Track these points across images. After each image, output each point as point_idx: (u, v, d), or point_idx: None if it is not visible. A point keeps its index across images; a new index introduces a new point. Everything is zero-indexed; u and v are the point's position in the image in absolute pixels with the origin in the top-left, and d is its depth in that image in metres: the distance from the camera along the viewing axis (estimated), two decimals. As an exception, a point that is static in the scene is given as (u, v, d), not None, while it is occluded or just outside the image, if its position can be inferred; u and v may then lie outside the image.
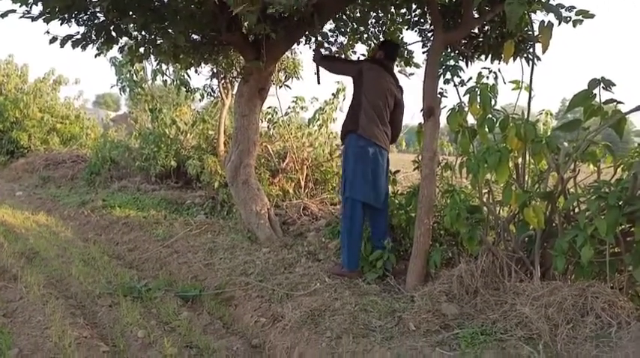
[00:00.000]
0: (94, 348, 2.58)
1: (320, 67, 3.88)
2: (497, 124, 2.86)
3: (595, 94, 2.54)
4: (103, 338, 2.80)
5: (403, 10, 4.40)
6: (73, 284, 3.63)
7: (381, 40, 4.74)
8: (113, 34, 3.74)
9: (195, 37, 4.39)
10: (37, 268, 3.95)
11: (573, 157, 2.67)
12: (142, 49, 4.22)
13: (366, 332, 2.60)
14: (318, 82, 4.02)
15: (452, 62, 3.14)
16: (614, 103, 2.57)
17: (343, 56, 4.98)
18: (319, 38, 4.21)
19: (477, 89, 2.90)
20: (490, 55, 3.92)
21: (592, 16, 3.04)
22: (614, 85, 2.53)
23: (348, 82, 5.24)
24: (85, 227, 5.74)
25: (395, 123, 3.70)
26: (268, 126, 6.52)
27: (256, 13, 2.94)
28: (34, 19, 3.33)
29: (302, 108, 6.53)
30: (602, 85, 2.52)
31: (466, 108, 2.99)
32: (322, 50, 4.10)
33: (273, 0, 2.83)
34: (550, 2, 2.82)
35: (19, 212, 6.38)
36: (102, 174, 8.41)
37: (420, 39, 4.42)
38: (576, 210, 2.80)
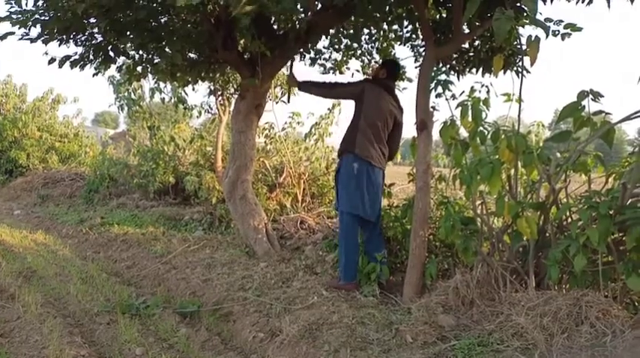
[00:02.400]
0: (92, 366, 2.59)
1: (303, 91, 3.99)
2: (489, 137, 2.91)
3: (584, 106, 2.59)
4: (101, 357, 2.80)
5: (395, 27, 4.49)
6: (71, 303, 3.63)
7: (378, 58, 4.83)
8: (111, 53, 3.81)
9: (191, 55, 4.48)
10: (34, 287, 3.95)
11: (564, 168, 2.72)
12: (139, 68, 4.29)
13: (364, 345, 2.60)
14: (288, 101, 4.19)
15: (443, 77, 3.20)
16: (603, 114, 2.62)
17: (338, 74, 5.06)
18: (313, 55, 4.28)
19: (468, 103, 2.95)
20: (481, 69, 4.00)
21: (580, 29, 3.11)
22: (602, 96, 2.59)
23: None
24: (84, 245, 5.75)
25: (393, 143, 3.76)
26: (265, 142, 6.58)
27: (251, 15, 2.98)
28: (32, 40, 3.39)
29: (298, 123, 6.60)
30: (590, 96, 2.58)
31: (458, 122, 3.03)
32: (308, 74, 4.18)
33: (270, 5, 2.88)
34: (537, 17, 2.89)
35: (17, 231, 6.37)
36: (100, 191, 8.43)
37: (412, 54, 4.52)
38: (568, 220, 2.83)
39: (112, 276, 4.40)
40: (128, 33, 3.59)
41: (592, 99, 2.57)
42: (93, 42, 3.72)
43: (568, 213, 2.81)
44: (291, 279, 3.78)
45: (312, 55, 4.88)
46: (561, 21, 3.04)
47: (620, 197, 2.46)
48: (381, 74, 3.79)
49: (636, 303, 2.64)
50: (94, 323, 3.25)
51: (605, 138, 2.60)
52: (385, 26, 4.53)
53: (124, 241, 5.47)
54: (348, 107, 3.80)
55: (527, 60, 2.97)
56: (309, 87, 3.94)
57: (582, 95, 2.59)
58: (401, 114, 3.74)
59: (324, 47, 4.86)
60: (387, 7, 3.97)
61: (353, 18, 4.27)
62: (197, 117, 7.55)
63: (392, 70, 3.86)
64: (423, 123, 3.28)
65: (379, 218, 3.71)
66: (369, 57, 4.96)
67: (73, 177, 10.21)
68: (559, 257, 2.55)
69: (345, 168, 3.63)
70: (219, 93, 6.23)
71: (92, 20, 3.42)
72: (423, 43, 4.10)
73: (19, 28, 3.24)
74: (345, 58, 5.05)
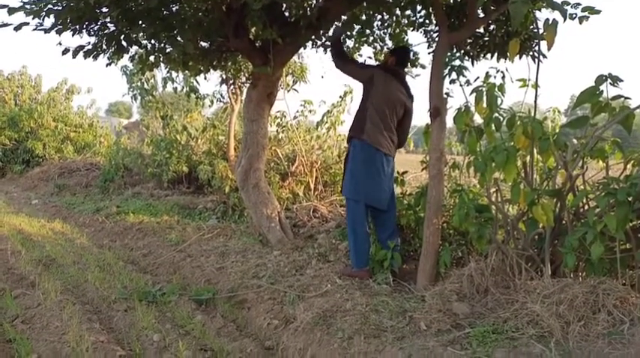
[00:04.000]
0: (110, 353, 2.63)
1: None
2: (505, 123, 2.86)
3: (602, 91, 2.54)
4: (119, 343, 2.85)
5: (408, 12, 4.42)
6: (89, 290, 3.70)
7: (390, 45, 4.78)
8: (123, 43, 3.81)
9: (203, 44, 4.47)
10: (53, 275, 4.04)
11: (581, 154, 2.67)
12: (152, 58, 4.30)
13: (378, 332, 2.61)
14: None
15: (457, 62, 3.15)
16: (622, 99, 2.56)
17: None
18: (325, 42, 4.24)
19: (482, 89, 2.90)
20: (496, 54, 3.93)
21: (598, 12, 3.03)
22: (621, 80, 2.53)
23: (355, 84, 5.28)
24: (100, 233, 5.84)
25: (402, 131, 3.74)
26: (277, 130, 6.57)
27: (263, 1, 2.98)
28: (46, 31, 3.41)
29: (310, 111, 6.56)
30: (609, 81, 2.52)
31: (472, 108, 2.99)
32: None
33: None
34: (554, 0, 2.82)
35: (35, 220, 6.50)
36: (115, 181, 8.54)
37: (426, 40, 4.46)
38: (585, 207, 2.79)
39: (129, 264, 4.47)
40: (140, 22, 3.59)
41: (611, 84, 2.51)
42: (106, 32, 3.73)
43: (585, 200, 2.77)
44: (304, 267, 3.80)
45: (324, 41, 4.84)
46: (579, 4, 2.97)
47: (639, 183, 2.42)
48: (390, 62, 3.77)
49: (654, 291, 2.60)
50: (111, 310, 3.31)
51: (623, 123, 2.54)
52: (398, 12, 4.46)
53: (139, 230, 5.55)
54: (359, 94, 3.78)
55: (543, 44, 2.92)
56: (339, 53, 3.92)
57: (600, 80, 2.53)
58: (411, 102, 3.72)
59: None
60: (400, -8, 3.91)
61: (365, 4, 4.21)
62: (209, 106, 7.58)
63: (402, 57, 3.83)
64: (437, 109, 3.24)
65: (393, 206, 3.69)
66: (381, 43, 4.90)
67: (88, 167, 10.36)
68: (576, 244, 2.52)
69: (353, 154, 3.62)
70: (231, 81, 6.23)
71: (104, 10, 3.42)
72: (437, 28, 4.04)
73: (32, 19, 3.26)
74: (357, 45, 5.00)
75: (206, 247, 4.57)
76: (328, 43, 4.09)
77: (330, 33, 4.30)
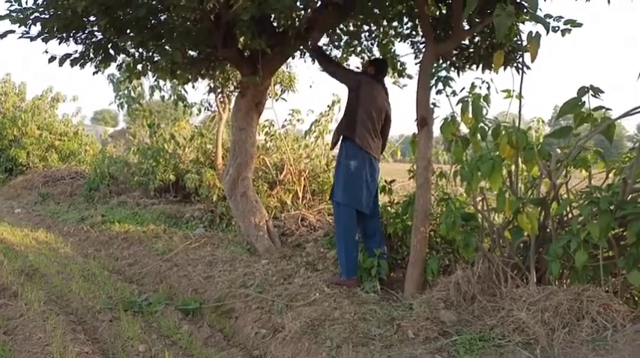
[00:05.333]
0: (95, 363, 2.60)
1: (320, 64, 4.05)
2: (490, 133, 2.91)
3: (584, 102, 2.60)
4: (105, 354, 2.81)
5: (395, 24, 4.49)
6: (73, 300, 3.64)
7: (378, 55, 4.85)
8: (111, 51, 3.81)
9: (191, 53, 4.47)
10: (37, 285, 3.96)
11: (565, 163, 2.73)
12: (139, 66, 4.29)
13: (366, 340, 2.62)
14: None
15: (443, 73, 3.20)
16: (603, 110, 2.63)
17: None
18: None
19: (468, 99, 2.95)
20: (481, 65, 4.00)
21: (580, 25, 3.12)
22: (603, 92, 2.60)
23: (342, 93, 5.33)
24: (85, 243, 5.75)
25: (384, 136, 3.83)
26: (265, 139, 6.58)
27: (251, 12, 3.01)
28: (32, 39, 3.40)
29: (298, 120, 6.59)
30: (590, 92, 2.58)
31: (458, 118, 3.04)
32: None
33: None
34: (537, 13, 2.90)
35: (18, 229, 6.38)
36: (101, 189, 8.43)
37: (412, 51, 4.52)
38: (569, 215, 2.84)
39: (114, 274, 4.41)
40: (128, 31, 3.59)
41: (592, 96, 2.58)
42: (93, 40, 3.73)
43: (569, 209, 2.82)
44: (292, 276, 3.79)
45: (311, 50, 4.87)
46: (561, 17, 3.06)
47: (620, 192, 2.48)
48: (369, 71, 3.85)
49: (637, 298, 2.66)
50: (96, 320, 3.26)
51: (605, 133, 2.60)
52: (385, 23, 4.53)
53: (125, 239, 5.48)
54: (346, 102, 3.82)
55: (527, 56, 2.98)
56: (321, 56, 4.07)
57: (582, 91, 2.60)
58: (390, 108, 3.82)
59: (324, 44, 4.85)
60: (387, 4, 3.97)
61: (353, 15, 4.26)
62: (197, 114, 7.56)
63: (379, 67, 3.93)
64: (424, 119, 3.28)
65: (377, 211, 3.72)
66: (368, 54, 4.96)
67: (73, 176, 10.20)
68: (560, 252, 2.56)
69: (345, 157, 3.65)
70: (219, 90, 6.23)
71: (92, 18, 3.42)
72: (423, 39, 4.10)
73: (19, 27, 3.24)
74: (345, 55, 5.05)
75: (193, 256, 4.53)
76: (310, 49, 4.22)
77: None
